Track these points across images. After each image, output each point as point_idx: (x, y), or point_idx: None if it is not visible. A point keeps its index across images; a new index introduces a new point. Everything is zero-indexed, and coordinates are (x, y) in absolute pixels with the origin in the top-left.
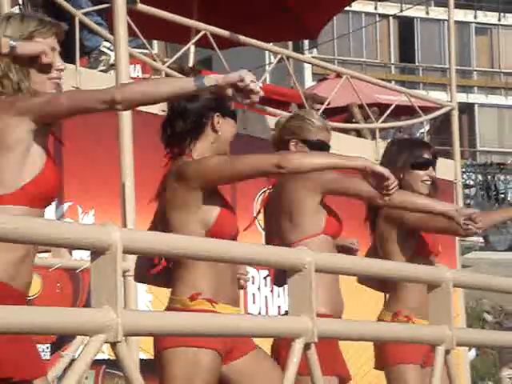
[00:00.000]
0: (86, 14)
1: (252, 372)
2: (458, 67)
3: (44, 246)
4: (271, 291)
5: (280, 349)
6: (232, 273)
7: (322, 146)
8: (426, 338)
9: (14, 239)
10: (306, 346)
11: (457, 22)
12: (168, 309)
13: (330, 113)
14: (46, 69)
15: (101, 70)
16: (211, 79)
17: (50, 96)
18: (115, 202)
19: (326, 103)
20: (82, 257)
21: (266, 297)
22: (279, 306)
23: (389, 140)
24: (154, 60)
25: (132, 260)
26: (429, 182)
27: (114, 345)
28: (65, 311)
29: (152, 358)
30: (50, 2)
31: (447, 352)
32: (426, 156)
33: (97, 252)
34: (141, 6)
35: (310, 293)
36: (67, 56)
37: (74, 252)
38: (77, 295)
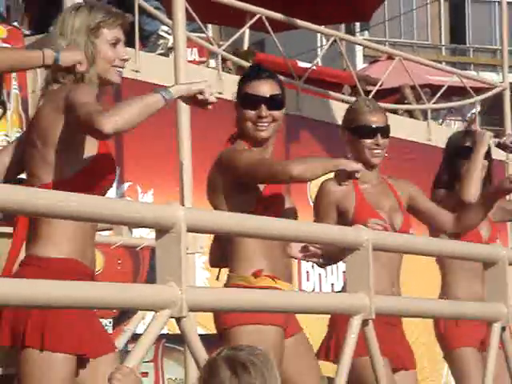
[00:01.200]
0: None
1: (297, 351)
2: (510, 48)
3: (107, 224)
4: (325, 269)
5: (336, 324)
6: (283, 248)
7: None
8: (481, 315)
9: (83, 217)
10: (364, 323)
11: (509, 3)
12: (230, 285)
13: (383, 94)
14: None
15: (159, 54)
16: (177, 91)
17: (99, 109)
18: (173, 181)
19: (379, 85)
20: (141, 235)
21: (319, 274)
22: (332, 284)
23: (440, 121)
24: (211, 43)
25: (192, 238)
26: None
27: (178, 320)
28: (133, 287)
29: (209, 333)
30: None
31: (503, 329)
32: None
33: (162, 230)
34: None
35: (367, 270)
36: (127, 40)
37: (134, 230)
38: (137, 272)
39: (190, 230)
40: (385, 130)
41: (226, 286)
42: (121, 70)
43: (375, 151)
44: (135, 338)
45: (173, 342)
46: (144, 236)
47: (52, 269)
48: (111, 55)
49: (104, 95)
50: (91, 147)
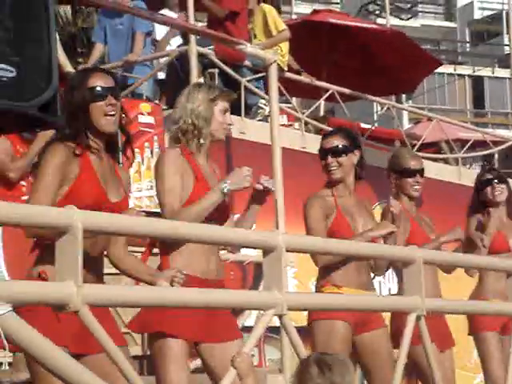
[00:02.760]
0: (248, 80)
1: (373, 346)
2: None
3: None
4: (383, 277)
5: (396, 320)
6: (358, 263)
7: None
8: (507, 311)
9: (215, 242)
10: (418, 318)
11: None
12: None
13: (425, 147)
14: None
15: (259, 120)
16: (232, 185)
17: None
18: (270, 214)
19: (422, 140)
20: (247, 253)
21: (379, 282)
22: (390, 288)
23: (467, 166)
24: (296, 111)
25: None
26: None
27: (280, 317)
28: (248, 293)
29: (297, 325)
30: (224, 74)
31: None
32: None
33: (267, 250)
34: (287, 74)
35: (419, 279)
36: (237, 110)
37: (242, 249)
38: (244, 281)
39: (288, 250)
40: (422, 172)
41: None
42: (227, 131)
43: (415, 187)
44: (244, 329)
45: (271, 332)
46: (248, 254)
47: None
48: (222, 120)
49: (214, 148)
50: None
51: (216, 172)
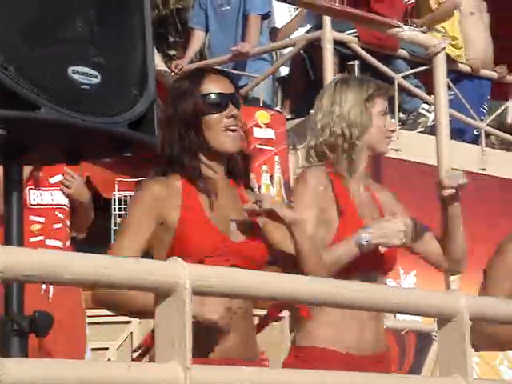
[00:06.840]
0: (404, 77)
1: None
2: None
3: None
4: None
5: None
6: None
7: None
8: None
9: (362, 306)
10: None
11: None
12: None
13: None
14: None
15: (419, 131)
16: (375, 239)
17: None
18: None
19: None
20: (405, 318)
21: None
22: None
23: None
24: (473, 118)
25: None
26: None
27: None
28: (419, 379)
29: None
30: (368, 68)
31: None
32: None
33: (442, 319)
34: (461, 66)
35: None
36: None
37: (398, 314)
38: (403, 357)
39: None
40: None
41: None
42: (389, 140)
43: None
44: None
45: None
46: (407, 319)
47: (307, 358)
48: (383, 125)
49: (369, 166)
50: None
51: (378, 198)
